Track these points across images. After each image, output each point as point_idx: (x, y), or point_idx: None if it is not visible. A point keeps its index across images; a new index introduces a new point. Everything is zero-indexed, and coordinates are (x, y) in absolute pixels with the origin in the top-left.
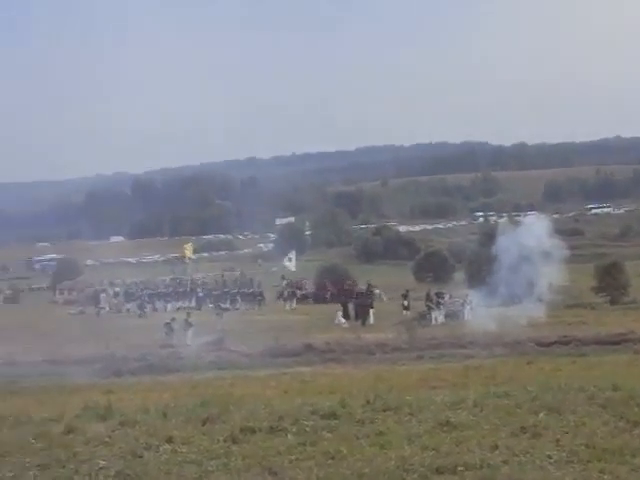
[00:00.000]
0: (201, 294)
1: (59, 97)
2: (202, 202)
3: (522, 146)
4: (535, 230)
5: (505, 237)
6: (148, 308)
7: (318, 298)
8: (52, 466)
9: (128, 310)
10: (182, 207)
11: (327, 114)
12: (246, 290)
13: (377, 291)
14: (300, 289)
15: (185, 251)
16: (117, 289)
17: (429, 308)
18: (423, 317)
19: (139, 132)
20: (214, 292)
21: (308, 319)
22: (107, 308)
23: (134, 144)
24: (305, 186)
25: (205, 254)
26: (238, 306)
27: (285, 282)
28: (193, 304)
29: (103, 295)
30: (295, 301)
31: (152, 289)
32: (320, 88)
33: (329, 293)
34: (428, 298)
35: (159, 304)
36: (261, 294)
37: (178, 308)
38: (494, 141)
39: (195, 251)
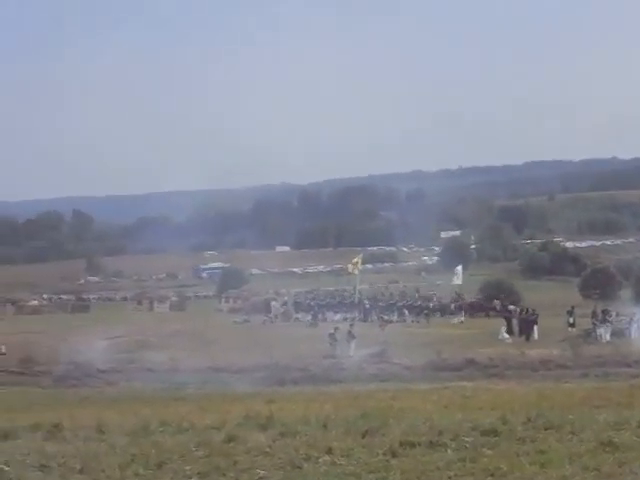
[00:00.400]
0: (367, 306)
1: (226, 105)
2: (367, 214)
3: None
4: None
5: None
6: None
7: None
8: (212, 474)
9: (297, 319)
10: (347, 218)
11: (493, 128)
12: (413, 303)
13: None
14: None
15: (354, 263)
16: (285, 298)
17: (595, 325)
18: (589, 334)
19: (304, 142)
20: (380, 304)
21: (471, 333)
22: (277, 317)
23: (301, 155)
24: (471, 199)
25: (369, 266)
26: (405, 318)
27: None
28: (359, 315)
29: (274, 303)
30: (463, 314)
31: (320, 300)
32: (488, 101)
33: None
34: (594, 315)
35: (328, 314)
36: (428, 307)
37: (345, 319)
38: None
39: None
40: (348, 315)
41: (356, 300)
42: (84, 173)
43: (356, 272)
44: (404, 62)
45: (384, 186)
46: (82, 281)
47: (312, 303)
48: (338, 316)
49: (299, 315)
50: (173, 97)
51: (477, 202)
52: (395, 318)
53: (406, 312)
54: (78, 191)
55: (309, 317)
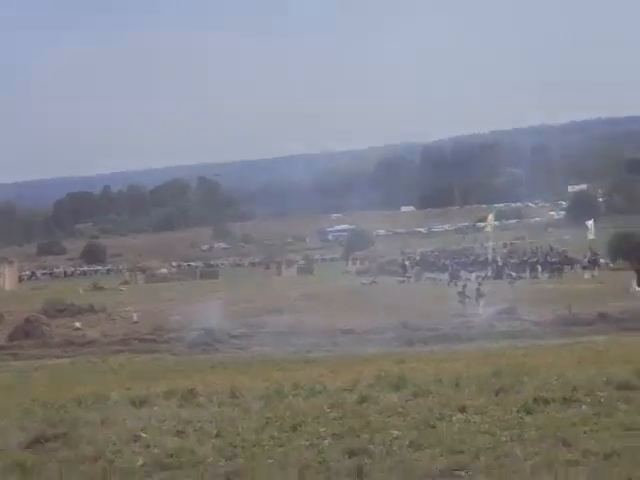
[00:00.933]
0: (500, 263)
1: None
2: (492, 170)
3: None
4: None
5: None
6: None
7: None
8: (346, 435)
9: (432, 279)
10: (472, 176)
11: (621, 77)
12: (546, 258)
13: None
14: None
15: (488, 220)
16: (418, 258)
17: None
18: None
19: (427, 99)
20: (512, 261)
21: (602, 287)
22: (411, 277)
23: (421, 112)
24: (598, 152)
25: (496, 223)
26: (537, 275)
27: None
28: (492, 273)
29: (407, 263)
30: (597, 269)
31: (452, 258)
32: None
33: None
34: None
35: (463, 273)
36: (561, 262)
37: (479, 277)
38: None
39: (484, 220)
40: (482, 273)
41: (489, 258)
42: (211, 140)
43: (489, 229)
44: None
45: (509, 142)
46: (209, 247)
47: (446, 262)
48: (473, 275)
49: (433, 274)
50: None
51: (604, 154)
52: (527, 275)
53: (539, 268)
54: (204, 158)
55: (444, 276)
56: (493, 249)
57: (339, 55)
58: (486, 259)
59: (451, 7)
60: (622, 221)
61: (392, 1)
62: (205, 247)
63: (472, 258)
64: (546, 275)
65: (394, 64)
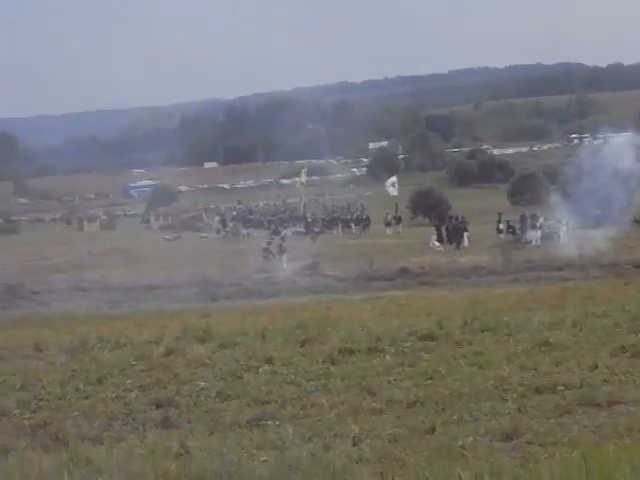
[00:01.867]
0: (310, 219)
1: (152, 20)
2: (295, 127)
3: (618, 66)
4: (630, 151)
5: (599, 158)
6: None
7: None
8: (153, 387)
9: (247, 235)
10: (275, 132)
11: (420, 35)
12: (353, 216)
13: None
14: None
15: (300, 176)
16: (234, 213)
17: (523, 230)
18: (518, 240)
19: (230, 57)
20: (322, 217)
21: (402, 243)
22: (222, 233)
23: (226, 69)
24: (398, 110)
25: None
26: (342, 231)
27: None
28: (305, 229)
29: (216, 219)
30: (400, 226)
31: (266, 214)
32: (413, 8)
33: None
34: (523, 220)
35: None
36: (366, 219)
37: (294, 233)
38: (590, 62)
39: (287, 176)
40: (294, 229)
41: (301, 214)
42: (8, 94)
43: (300, 186)
44: None
45: (311, 99)
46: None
47: (261, 218)
48: (288, 230)
49: (247, 231)
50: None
51: (404, 112)
52: (335, 231)
53: (352, 225)
54: (2, 112)
55: (259, 232)
56: (304, 205)
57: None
58: (297, 215)
59: None
60: (421, 178)
61: None
62: (5, 203)
63: (284, 214)
64: (349, 231)
65: (198, 18)
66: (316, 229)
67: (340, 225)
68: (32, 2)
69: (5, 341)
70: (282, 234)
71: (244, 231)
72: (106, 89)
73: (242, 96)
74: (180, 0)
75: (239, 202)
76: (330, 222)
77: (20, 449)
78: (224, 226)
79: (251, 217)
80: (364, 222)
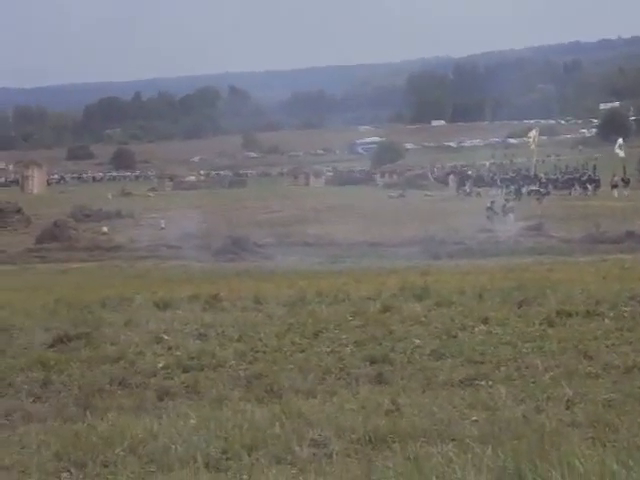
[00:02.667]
0: (544, 179)
1: None
2: (524, 86)
3: None
4: None
5: None
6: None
7: None
8: (368, 343)
9: (479, 194)
10: (504, 91)
11: None
12: (584, 177)
13: None
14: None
15: (532, 136)
16: (470, 172)
17: None
18: None
19: (460, 15)
20: (554, 177)
21: (630, 205)
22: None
23: (456, 28)
24: (631, 70)
25: (525, 139)
26: (586, 192)
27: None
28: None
29: (452, 177)
30: (628, 188)
31: (496, 174)
32: None
33: None
34: None
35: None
36: (597, 180)
37: (529, 192)
38: None
39: (515, 136)
40: (529, 188)
41: (532, 174)
42: (241, 48)
43: (533, 147)
44: None
45: (542, 58)
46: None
47: (494, 177)
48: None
49: (480, 190)
50: None
51: (637, 73)
52: (576, 191)
53: (588, 186)
54: (235, 67)
55: (492, 191)
56: (535, 165)
57: None
58: (528, 175)
59: None
60: None
61: None
62: (234, 156)
63: (517, 174)
64: (582, 192)
65: None
66: (547, 189)
67: (576, 185)
68: None
69: (227, 293)
70: (507, 194)
71: (476, 190)
72: (335, 45)
73: (472, 54)
74: None
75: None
76: (564, 183)
77: (234, 400)
78: (462, 185)
79: (484, 176)
80: (595, 183)
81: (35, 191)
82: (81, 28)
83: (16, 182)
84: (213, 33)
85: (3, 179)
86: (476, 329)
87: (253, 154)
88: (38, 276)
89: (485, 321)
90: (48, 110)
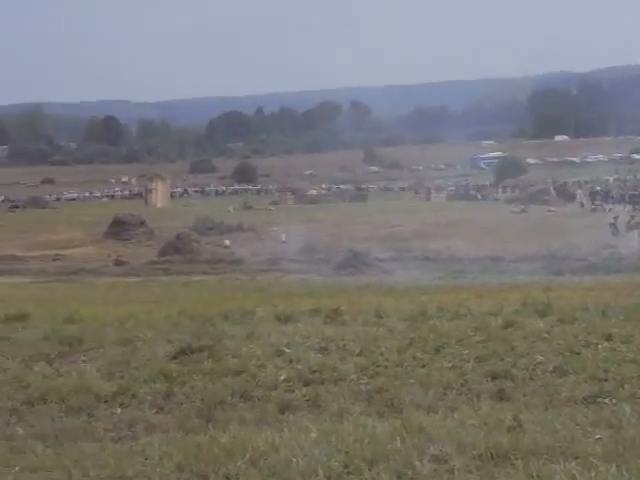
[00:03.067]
0: None
1: None
2: None
3: None
4: None
5: None
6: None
7: None
8: (490, 358)
9: (609, 210)
10: (628, 106)
11: None
12: None
13: None
14: None
15: None
16: (598, 188)
17: None
18: None
19: (585, 28)
20: None
21: None
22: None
23: (580, 42)
24: None
25: None
26: None
27: None
28: None
29: (579, 192)
30: None
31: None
32: None
33: None
34: None
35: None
36: None
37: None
38: None
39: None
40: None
41: None
42: (362, 63)
43: None
44: None
45: None
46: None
47: (623, 193)
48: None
49: (610, 206)
50: None
51: None
52: None
53: None
54: (356, 81)
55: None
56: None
57: None
58: None
59: None
60: None
61: None
62: (355, 171)
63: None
64: None
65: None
66: None
67: None
68: None
69: (348, 306)
70: (634, 210)
71: (607, 206)
72: (456, 60)
73: (595, 69)
74: None
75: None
76: None
77: (355, 414)
78: (594, 199)
79: (610, 191)
80: None
81: (158, 204)
82: (206, 42)
83: (140, 195)
84: (333, 49)
85: (127, 192)
86: (599, 346)
87: (374, 168)
88: (161, 288)
89: (609, 338)
90: (171, 124)
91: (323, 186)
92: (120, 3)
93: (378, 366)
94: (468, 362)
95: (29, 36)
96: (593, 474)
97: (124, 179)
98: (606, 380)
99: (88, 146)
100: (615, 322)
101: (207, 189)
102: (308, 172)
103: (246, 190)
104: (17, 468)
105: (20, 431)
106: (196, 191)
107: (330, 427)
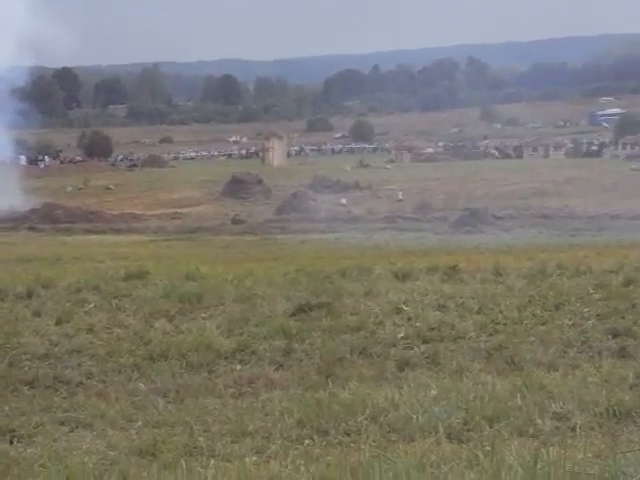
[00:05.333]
0: None
1: None
2: None
3: None
4: None
5: None
6: None
7: None
8: (611, 316)
9: None
10: None
11: None
12: None
13: None
14: None
15: None
16: None
17: None
18: None
19: None
20: None
21: None
22: None
23: None
24: None
25: None
26: None
27: None
28: None
29: None
30: None
31: None
32: None
33: None
34: None
35: None
36: None
37: None
38: None
39: None
40: None
41: None
42: (479, 20)
43: None
44: None
45: None
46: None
47: None
48: None
49: None
50: None
51: None
52: None
53: None
54: (474, 38)
55: None
56: None
57: None
58: None
59: None
60: None
61: None
62: (472, 129)
63: None
64: None
65: None
66: None
67: None
68: None
69: (466, 264)
70: None
71: None
72: (575, 16)
73: None
74: None
75: None
76: None
77: (475, 371)
78: None
79: None
80: None
81: (275, 163)
82: (321, 2)
83: (257, 154)
84: (450, 4)
85: (244, 151)
86: None
87: (497, 126)
88: (278, 246)
89: None
90: (288, 82)
91: (440, 144)
92: None
93: (497, 324)
94: (589, 320)
95: None
96: None
97: (242, 139)
98: None
99: (206, 105)
100: None
101: (323, 148)
102: (424, 130)
103: (362, 149)
104: (140, 423)
105: (142, 387)
106: (313, 150)
107: (450, 384)
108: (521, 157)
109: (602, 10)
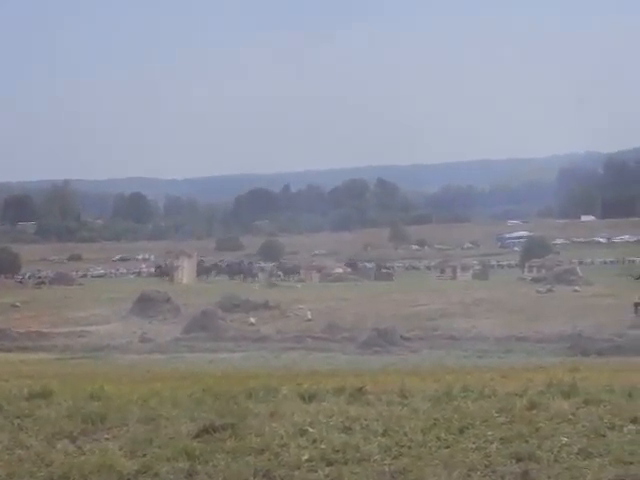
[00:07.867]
0: None
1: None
2: None
3: None
4: None
5: None
6: None
7: None
8: (514, 440)
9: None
10: None
11: None
12: None
13: None
14: None
15: None
16: None
17: None
18: None
19: (610, 109)
20: None
21: None
22: None
23: (605, 123)
24: None
25: None
26: None
27: None
28: None
29: None
30: None
31: None
32: None
33: None
34: None
35: None
36: None
37: None
38: None
39: None
40: None
41: None
42: (388, 142)
43: None
44: None
45: None
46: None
47: None
48: None
49: None
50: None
51: None
52: None
53: None
54: (383, 160)
55: None
56: None
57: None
58: None
59: None
60: None
61: None
62: (381, 249)
63: None
64: None
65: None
66: None
67: None
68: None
69: (372, 385)
70: None
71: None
72: (482, 141)
73: (622, 150)
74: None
75: None
76: None
77: None
78: None
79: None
80: None
81: (184, 281)
82: (234, 121)
83: (166, 273)
84: (359, 127)
85: (153, 269)
86: (625, 428)
87: (403, 246)
88: (186, 365)
89: (635, 420)
90: (198, 201)
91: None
92: (144, 83)
93: (402, 446)
94: (492, 443)
95: (58, 115)
96: None
97: (151, 256)
98: (632, 463)
99: (115, 223)
100: None
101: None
102: (333, 250)
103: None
104: None
105: None
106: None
107: None
108: (427, 277)
109: (506, 135)
